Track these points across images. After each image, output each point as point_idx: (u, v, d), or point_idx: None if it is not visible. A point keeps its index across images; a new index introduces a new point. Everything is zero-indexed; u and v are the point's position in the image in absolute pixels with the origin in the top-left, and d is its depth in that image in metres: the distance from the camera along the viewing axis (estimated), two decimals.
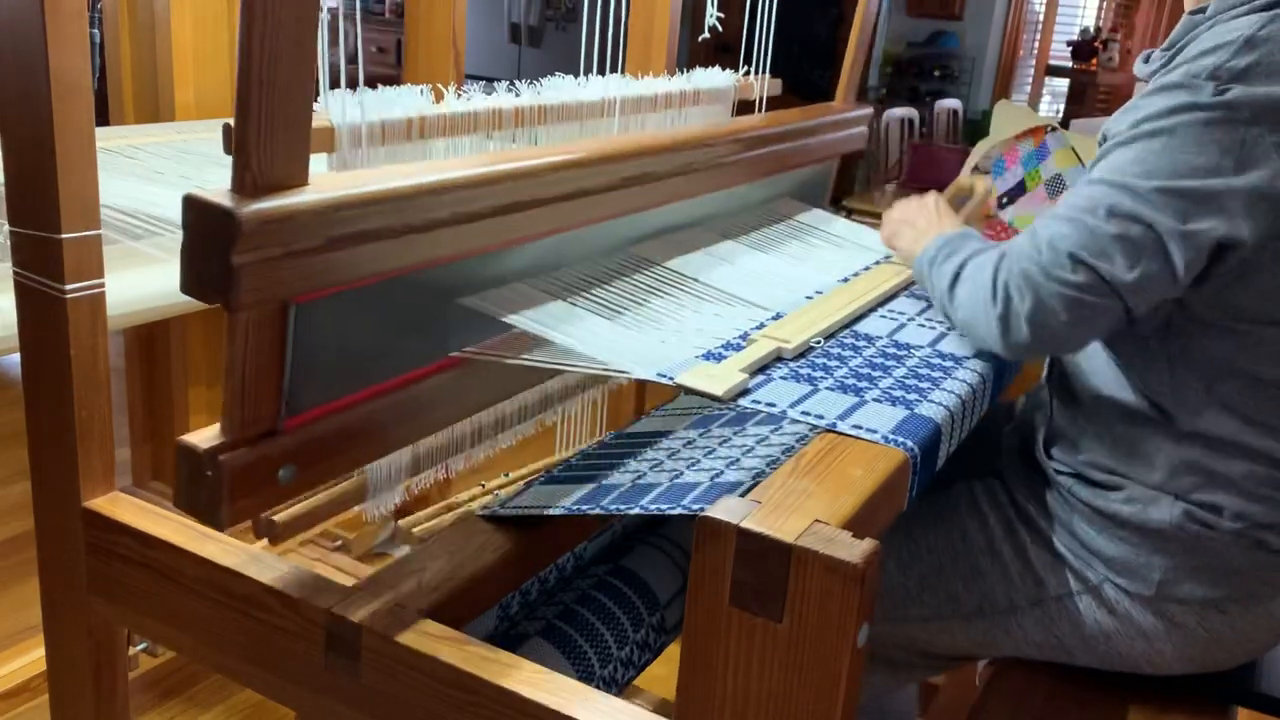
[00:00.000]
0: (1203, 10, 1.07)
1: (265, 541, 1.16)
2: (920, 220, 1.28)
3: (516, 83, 1.19)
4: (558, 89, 1.23)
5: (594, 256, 1.22)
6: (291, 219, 0.82)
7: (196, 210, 0.79)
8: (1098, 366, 1.14)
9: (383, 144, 1.02)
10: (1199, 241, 0.98)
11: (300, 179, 0.85)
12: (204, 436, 0.86)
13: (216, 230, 0.78)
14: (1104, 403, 1.12)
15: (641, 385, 1.91)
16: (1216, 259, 1.00)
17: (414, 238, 0.93)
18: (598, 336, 1.06)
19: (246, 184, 0.81)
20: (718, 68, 1.53)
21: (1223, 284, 1.02)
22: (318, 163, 1.04)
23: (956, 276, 1.11)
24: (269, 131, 0.81)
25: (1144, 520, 1.08)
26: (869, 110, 1.89)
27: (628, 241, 1.29)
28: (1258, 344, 1.04)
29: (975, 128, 5.61)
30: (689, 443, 1.01)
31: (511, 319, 1.04)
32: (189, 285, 0.82)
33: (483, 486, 1.53)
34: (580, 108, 1.25)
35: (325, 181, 0.87)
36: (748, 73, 1.55)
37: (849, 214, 2.51)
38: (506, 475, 1.55)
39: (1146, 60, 1.15)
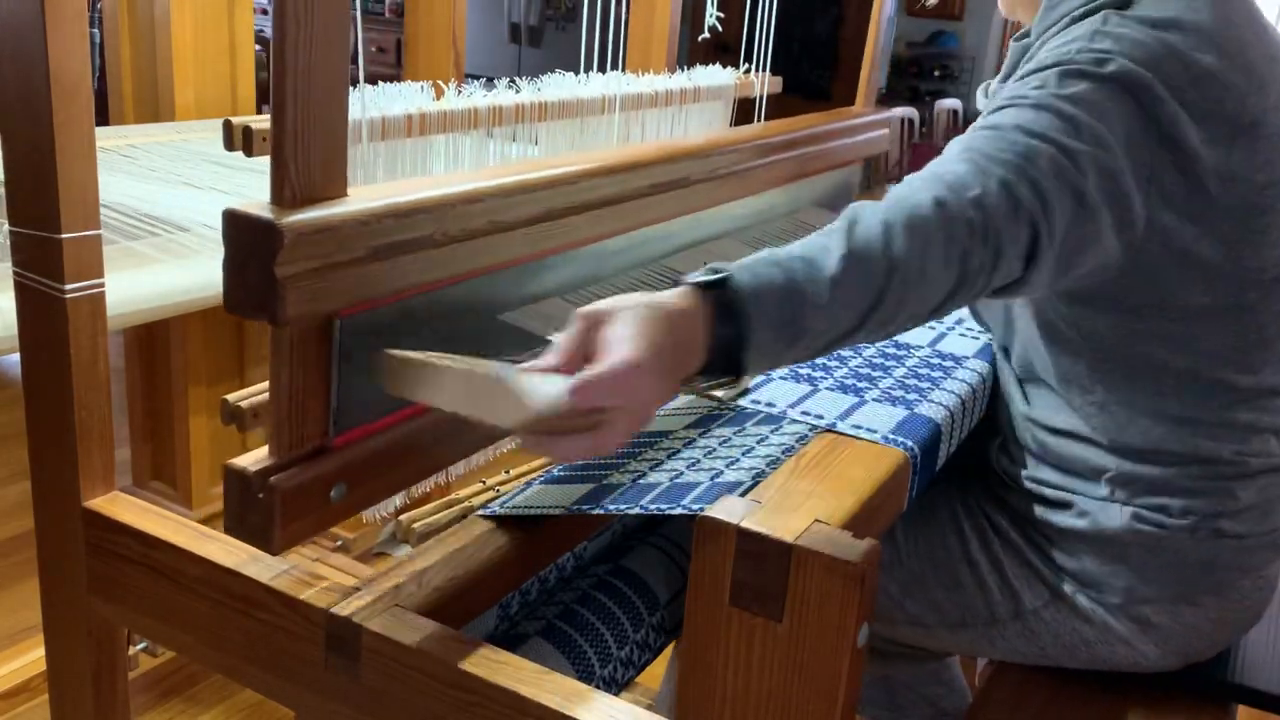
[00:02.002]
0: (1026, 34, 1.11)
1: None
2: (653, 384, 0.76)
3: (516, 81, 1.20)
4: (558, 86, 1.23)
5: (626, 270, 1.22)
6: (333, 230, 0.81)
7: (238, 225, 0.78)
8: (1032, 391, 1.14)
9: (383, 140, 1.02)
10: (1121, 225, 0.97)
11: (339, 190, 0.84)
12: (252, 459, 0.84)
13: (259, 243, 0.77)
14: (1040, 426, 1.12)
15: None
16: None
17: (454, 247, 0.92)
18: None
19: (286, 196, 0.80)
20: (718, 67, 1.53)
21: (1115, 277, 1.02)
22: None
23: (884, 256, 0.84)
24: (306, 143, 0.80)
25: (1098, 531, 1.08)
26: (891, 113, 1.90)
27: (660, 255, 1.28)
28: (1163, 336, 1.05)
29: None
30: (689, 443, 1.01)
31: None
32: (233, 302, 0.80)
33: (483, 483, 1.53)
34: (580, 105, 1.25)
35: (364, 192, 0.86)
36: (748, 71, 1.55)
37: None
38: (508, 471, 1.55)
39: (986, 93, 1.18)
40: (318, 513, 0.87)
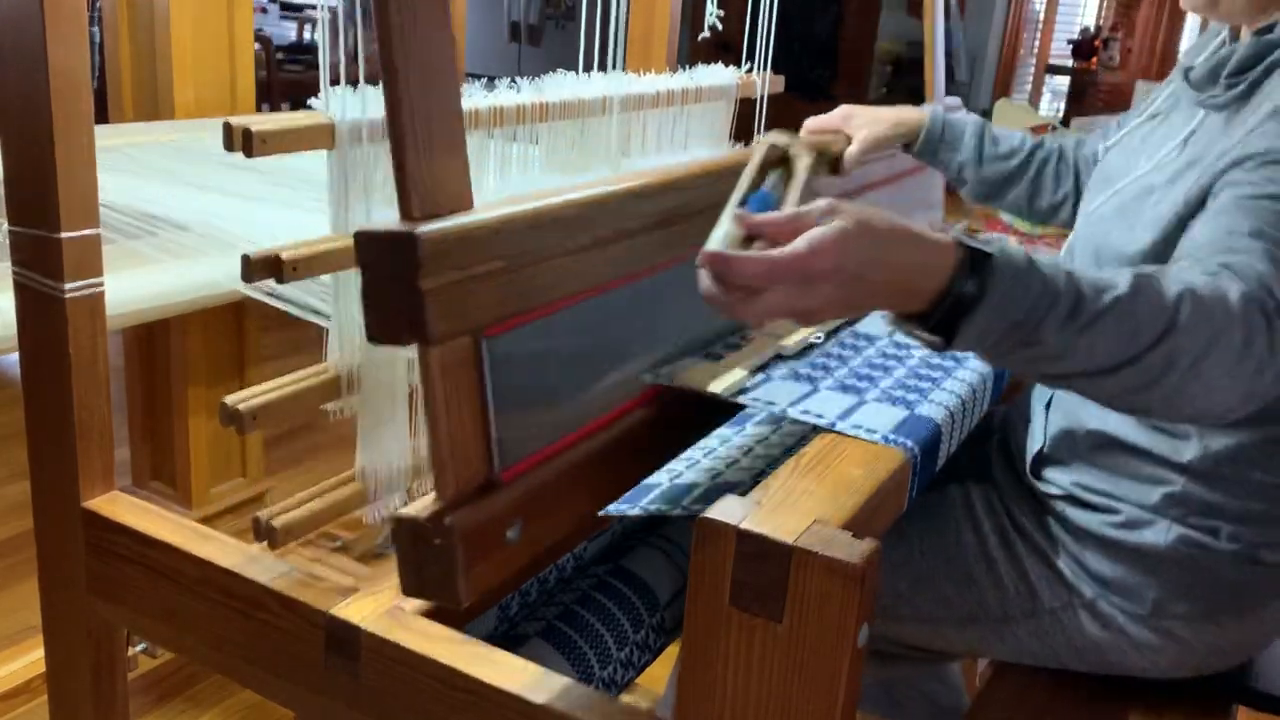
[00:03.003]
0: (1270, 30, 1.01)
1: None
2: (881, 274, 0.76)
3: (516, 80, 1.19)
4: (559, 86, 1.23)
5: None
6: (468, 238, 0.78)
7: (373, 244, 0.75)
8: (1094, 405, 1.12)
9: (384, 141, 1.02)
10: None
11: (466, 201, 0.82)
12: (420, 506, 0.77)
13: (398, 259, 0.74)
14: (1108, 437, 1.11)
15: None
16: None
17: (586, 255, 0.89)
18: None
19: (414, 209, 0.78)
20: (719, 66, 1.53)
21: None
22: (316, 160, 1.04)
23: (1164, 332, 0.78)
24: (429, 156, 0.79)
25: (1138, 543, 1.07)
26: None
27: None
28: None
29: None
30: (689, 443, 1.01)
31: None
32: (376, 328, 0.75)
33: None
34: (581, 105, 1.25)
35: (487, 204, 0.84)
36: (749, 70, 1.55)
37: None
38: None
39: (1188, 77, 1.08)
40: (498, 555, 0.81)
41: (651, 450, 0.97)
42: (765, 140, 1.02)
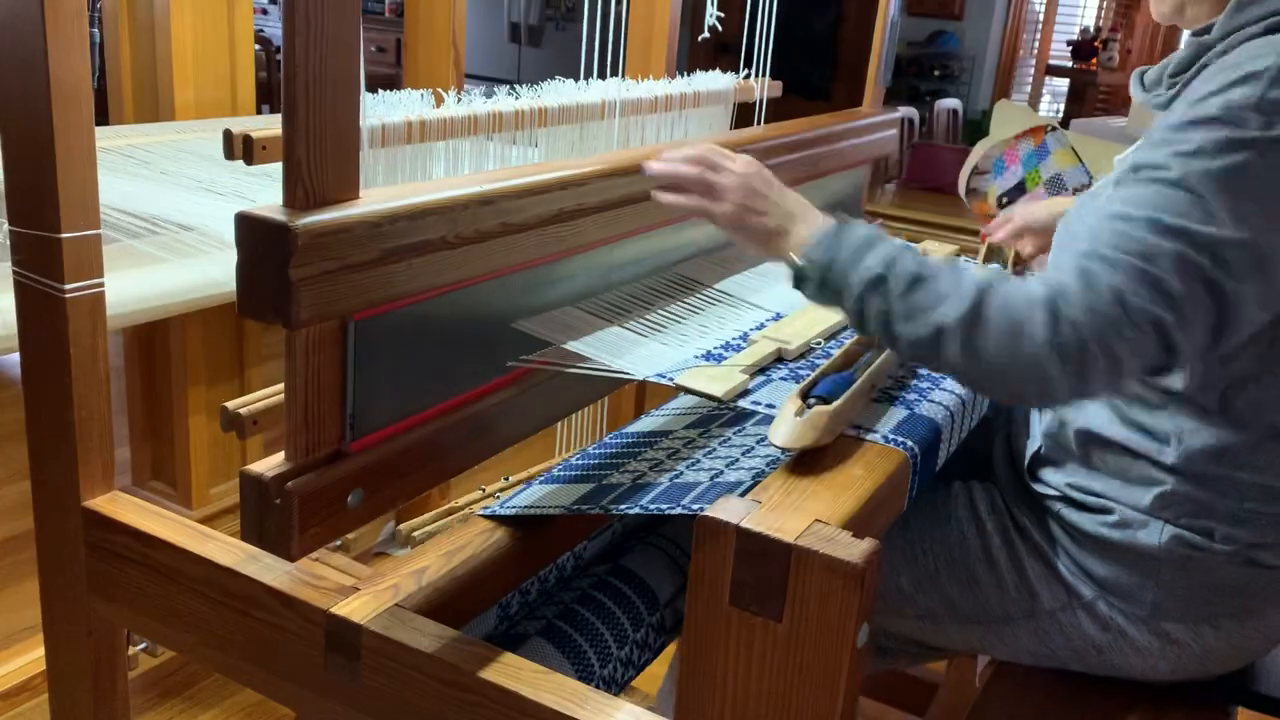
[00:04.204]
0: (1207, 31, 1.01)
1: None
2: (773, 196, 1.01)
3: (516, 86, 1.20)
4: (558, 92, 1.23)
5: (640, 277, 1.21)
6: (347, 232, 0.80)
7: (250, 227, 0.78)
8: (1094, 404, 1.12)
9: (383, 146, 1.02)
10: (1266, 298, 0.92)
11: (352, 192, 0.84)
12: (268, 464, 0.84)
13: (272, 246, 0.77)
14: (1092, 435, 1.11)
15: (642, 385, 1.91)
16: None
17: (467, 249, 0.91)
18: (610, 344, 1.05)
19: (299, 198, 0.80)
20: (717, 68, 1.53)
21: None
22: None
23: (973, 311, 0.89)
24: (319, 145, 0.80)
25: (1133, 543, 1.07)
26: (899, 114, 1.89)
27: (672, 262, 1.28)
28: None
29: (975, 127, 5.60)
30: (689, 443, 1.01)
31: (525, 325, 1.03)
32: (245, 305, 0.80)
33: (482, 490, 1.54)
34: (580, 110, 1.25)
35: (376, 194, 0.86)
36: (747, 76, 1.55)
37: None
38: (506, 479, 1.55)
39: (1143, 81, 1.10)
40: (335, 518, 0.87)
41: (507, 430, 1.04)
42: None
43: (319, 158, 0.80)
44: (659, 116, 1.39)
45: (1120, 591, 1.10)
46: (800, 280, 0.97)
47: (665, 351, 1.06)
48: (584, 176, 1.04)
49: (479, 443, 1.02)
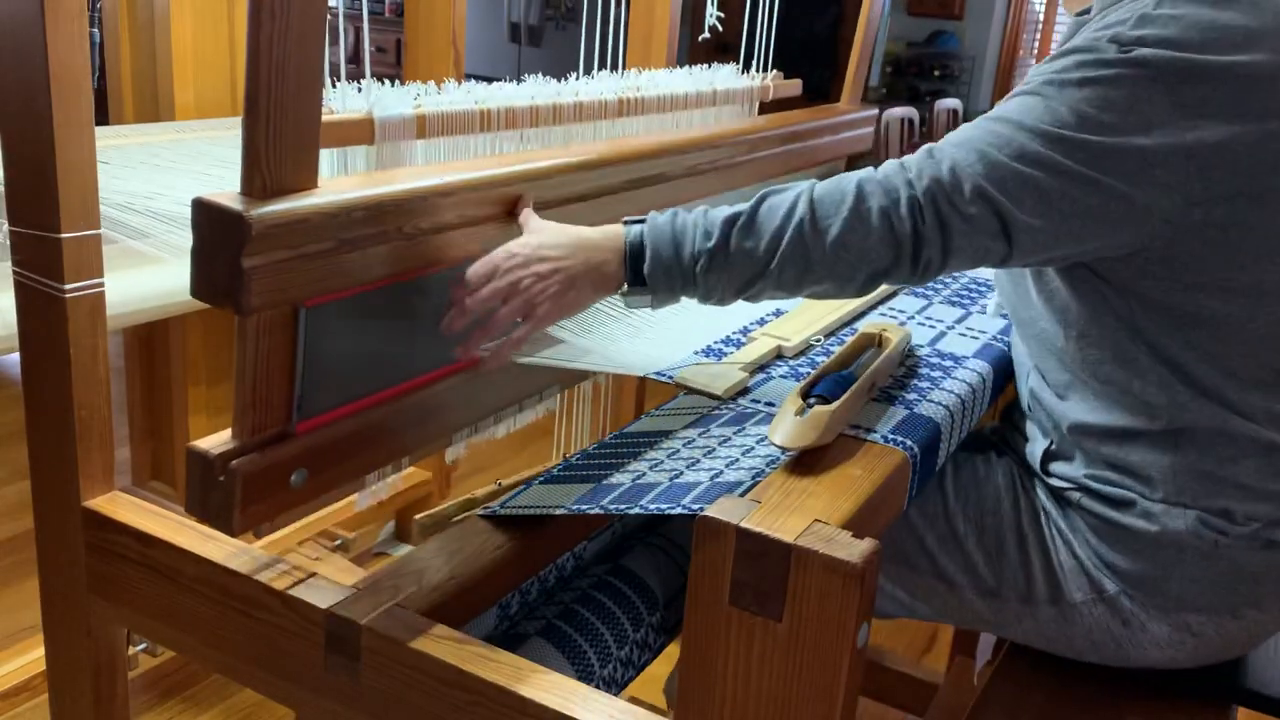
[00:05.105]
0: (1086, 11, 1.11)
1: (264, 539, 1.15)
2: (554, 247, 0.98)
3: (517, 81, 1.19)
4: (558, 90, 1.23)
5: None
6: (302, 222, 0.82)
7: (206, 213, 0.79)
8: (1073, 395, 1.12)
9: (382, 143, 1.02)
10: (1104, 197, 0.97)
11: (310, 182, 0.85)
12: (214, 441, 0.86)
13: (227, 233, 0.78)
14: (1090, 429, 1.11)
15: (642, 385, 1.91)
16: (1131, 231, 0.99)
17: (423, 240, 0.93)
18: (603, 337, 1.06)
19: (256, 187, 0.81)
20: (729, 69, 1.53)
21: (1155, 262, 1.01)
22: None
23: (803, 206, 0.97)
24: (278, 134, 0.81)
25: (1160, 532, 1.07)
26: (874, 111, 1.89)
27: None
28: (1222, 320, 1.03)
29: None
30: (689, 442, 1.01)
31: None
32: (199, 288, 0.82)
33: (499, 485, 1.53)
34: (580, 109, 1.25)
35: (334, 184, 0.87)
36: (746, 70, 1.55)
37: None
38: (499, 484, 1.55)
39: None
40: (278, 497, 0.89)
41: (453, 416, 1.07)
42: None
43: (278, 148, 0.81)
44: (660, 118, 1.38)
45: (1144, 585, 1.10)
46: (650, 285, 0.98)
47: (650, 349, 1.06)
48: (548, 170, 1.05)
49: (425, 428, 1.04)
